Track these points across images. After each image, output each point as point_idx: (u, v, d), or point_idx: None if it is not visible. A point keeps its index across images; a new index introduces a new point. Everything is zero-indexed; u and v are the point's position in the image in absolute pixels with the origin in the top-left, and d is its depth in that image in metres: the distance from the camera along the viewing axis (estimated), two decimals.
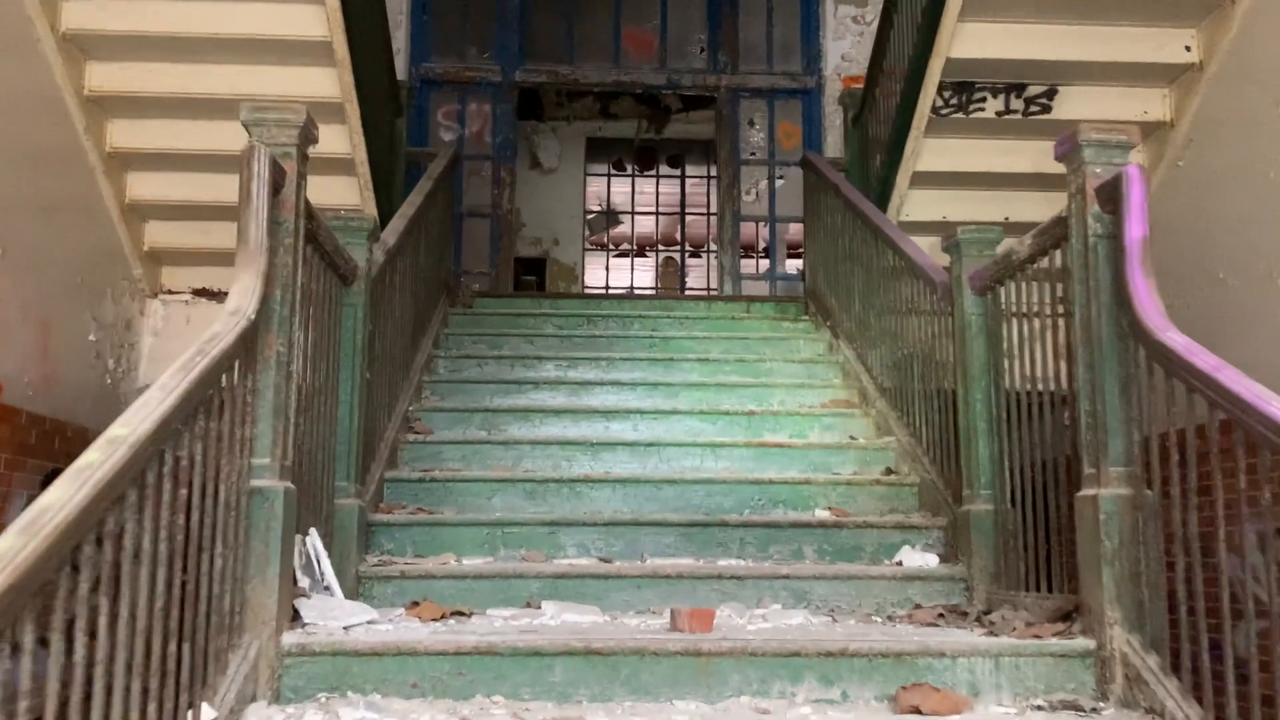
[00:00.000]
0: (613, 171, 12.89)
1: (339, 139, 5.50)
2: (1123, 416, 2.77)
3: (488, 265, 8.28)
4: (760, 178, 9.61)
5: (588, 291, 12.04)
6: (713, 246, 12.94)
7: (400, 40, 8.33)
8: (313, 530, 3.12)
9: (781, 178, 9.05)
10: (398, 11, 8.33)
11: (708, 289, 13.12)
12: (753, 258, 11.43)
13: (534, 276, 12.26)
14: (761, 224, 9.05)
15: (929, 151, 5.71)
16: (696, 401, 5.06)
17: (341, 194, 5.76)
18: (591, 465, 4.46)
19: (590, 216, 12.93)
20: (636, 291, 13.32)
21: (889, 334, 4.89)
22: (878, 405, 4.87)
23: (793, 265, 11.54)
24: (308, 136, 2.86)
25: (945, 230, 6.03)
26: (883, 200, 5.95)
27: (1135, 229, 2.74)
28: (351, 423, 3.56)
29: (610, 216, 13.13)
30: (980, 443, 3.68)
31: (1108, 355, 2.81)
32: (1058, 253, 3.22)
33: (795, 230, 9.66)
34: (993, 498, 3.64)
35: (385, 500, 4.10)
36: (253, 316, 2.49)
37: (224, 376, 2.37)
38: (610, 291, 13.21)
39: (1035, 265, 3.36)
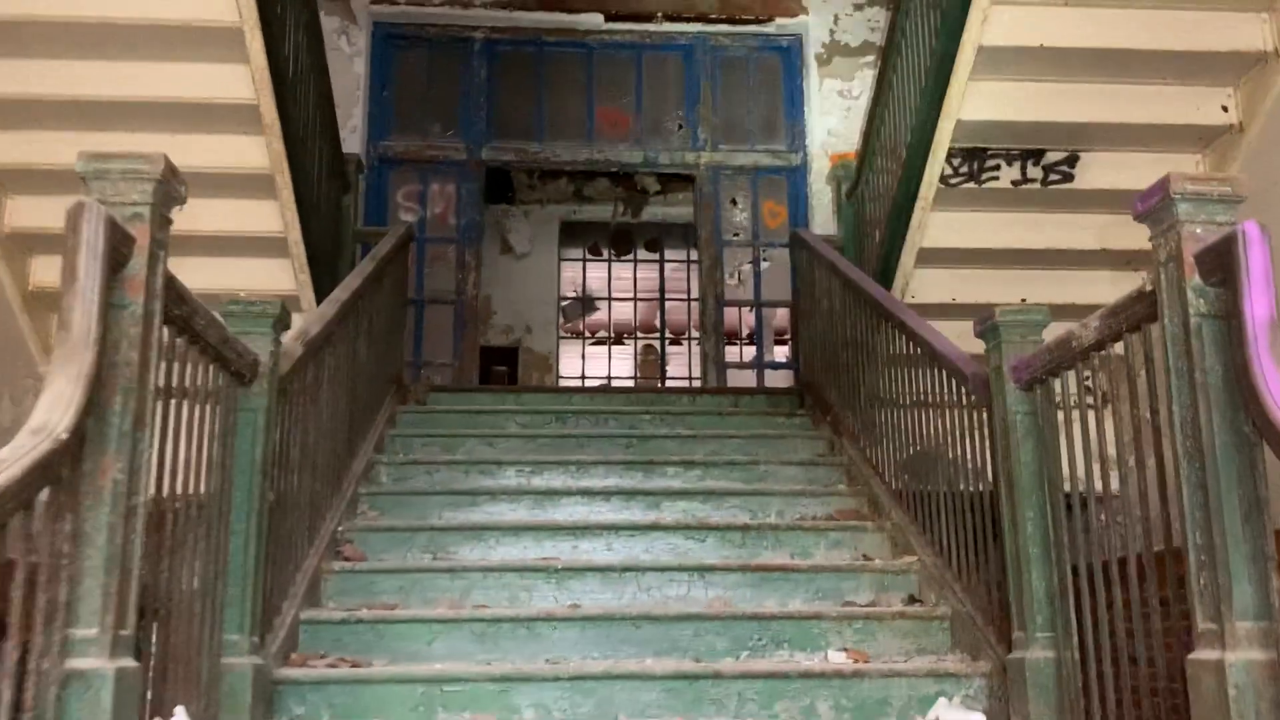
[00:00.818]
0: (588, 256, 12.30)
1: (269, 215, 4.87)
2: (1251, 552, 2.08)
3: (451, 355, 7.58)
4: (744, 260, 8.98)
5: (561, 384, 11.35)
6: (694, 333, 12.31)
7: (358, 117, 7.75)
8: (179, 711, 2.36)
9: (767, 260, 8.43)
10: (354, 87, 7.77)
11: (689, 379, 12.44)
12: (737, 344, 10.84)
13: (505, 367, 11.54)
14: (746, 309, 8.45)
15: (937, 226, 5.10)
16: (681, 514, 4.34)
17: (272, 277, 5.11)
18: (556, 597, 3.71)
19: (565, 303, 12.29)
20: (615, 382, 12.64)
21: (903, 432, 4.20)
22: (893, 516, 4.16)
23: (780, 352, 10.93)
24: (169, 194, 2.18)
25: (955, 314, 5.49)
26: (885, 280, 5.33)
27: (1260, 305, 2.07)
28: (247, 558, 2.82)
29: (586, 303, 12.50)
30: (1034, 572, 2.97)
31: (1224, 470, 2.12)
32: (1134, 337, 2.54)
33: (782, 315, 9.06)
34: (1053, 642, 2.91)
35: (300, 648, 3.33)
36: (65, 435, 1.78)
37: (15, 520, 1.66)
38: (586, 383, 12.53)
39: (1102, 353, 2.69)
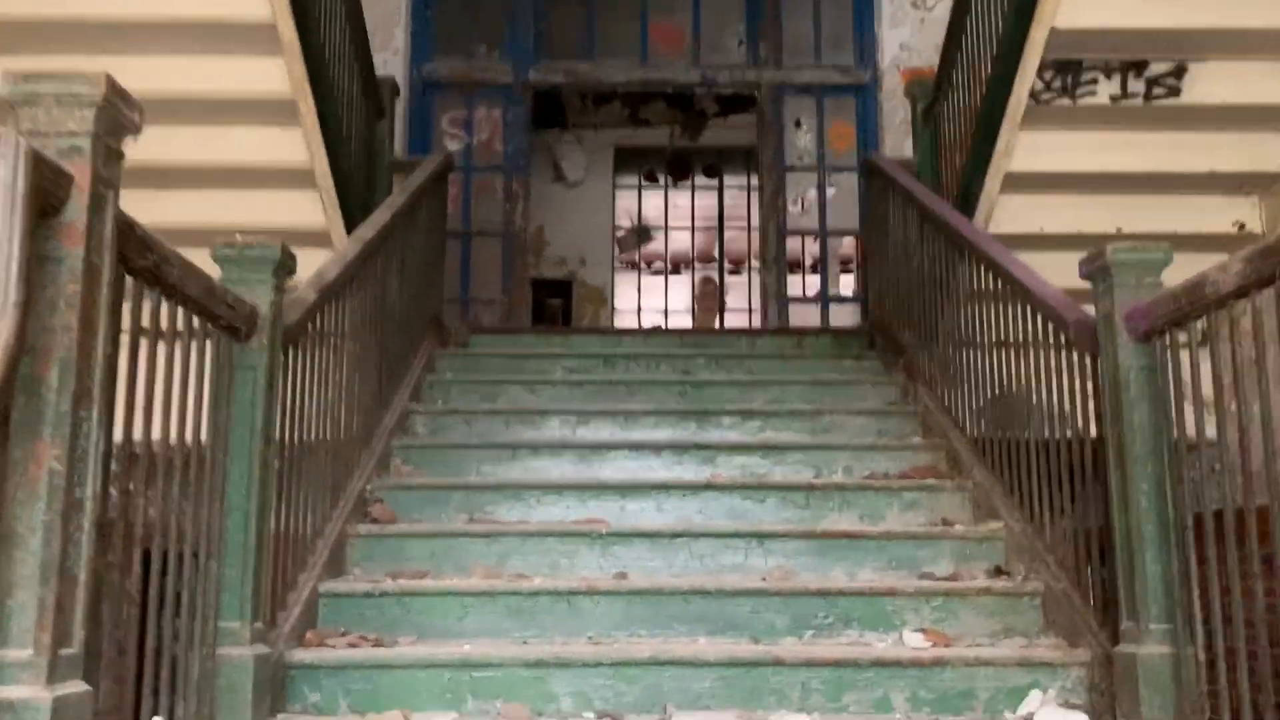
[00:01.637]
0: (644, 183, 11.84)
1: (294, 144, 4.50)
2: None
3: (499, 291, 7.24)
4: (808, 186, 8.48)
5: (616, 317, 11.00)
6: (754, 263, 11.84)
7: (399, 38, 7.36)
8: None
9: (833, 185, 7.94)
10: (396, 6, 7.36)
11: (749, 311, 11.99)
12: (799, 274, 10.37)
13: (559, 300, 11.22)
14: (810, 238, 7.99)
15: (1025, 148, 4.57)
16: (738, 470, 3.96)
17: (300, 212, 4.76)
18: (601, 565, 3.37)
19: (620, 233, 11.88)
20: (672, 315, 12.25)
21: (988, 380, 3.76)
22: (975, 475, 3.74)
23: (846, 283, 10.43)
24: (116, 122, 1.80)
25: (1043, 245, 4.98)
26: (965, 209, 4.83)
27: None
28: (247, 536, 2.50)
29: (642, 233, 12.07)
30: (1148, 554, 2.55)
31: None
32: None
33: (847, 245, 8.57)
34: (1170, 636, 2.51)
35: (320, 623, 3.04)
36: None
37: None
38: (641, 316, 12.16)
39: (1245, 301, 2.23)
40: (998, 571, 3.36)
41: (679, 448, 4.02)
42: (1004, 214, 4.79)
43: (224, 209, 4.77)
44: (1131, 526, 2.59)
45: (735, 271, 12.31)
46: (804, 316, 7.55)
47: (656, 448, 4.02)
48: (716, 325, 12.24)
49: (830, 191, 7.73)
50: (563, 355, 4.94)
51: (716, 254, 11.83)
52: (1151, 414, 2.59)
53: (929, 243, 4.49)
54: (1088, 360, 2.93)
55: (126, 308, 1.95)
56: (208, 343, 2.38)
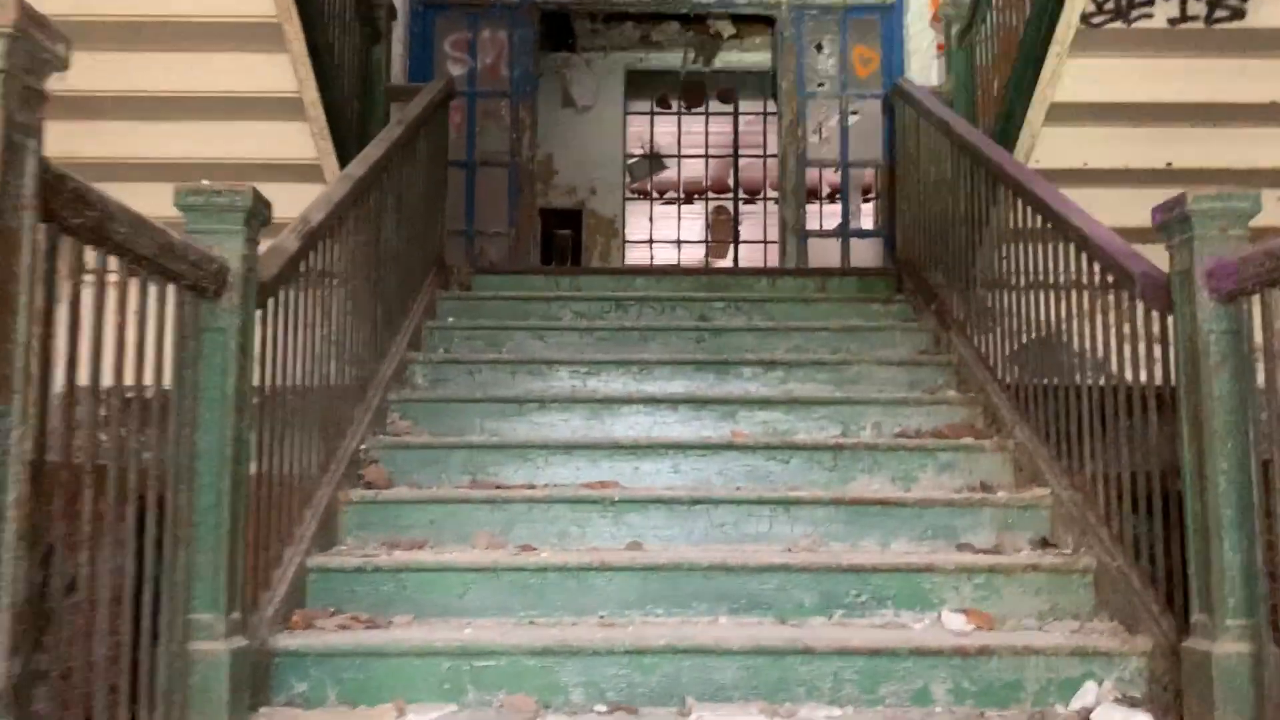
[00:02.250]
0: (656, 109, 11.39)
1: (280, 71, 4.15)
2: None
3: (506, 224, 6.92)
4: (830, 113, 8.10)
5: (621, 258, 10.66)
6: (771, 193, 11.46)
7: None
8: None
9: (856, 113, 7.55)
10: None
11: (764, 242, 11.65)
12: (816, 203, 10.02)
13: (568, 231, 10.87)
14: (831, 170, 7.62)
15: (1073, 75, 4.21)
16: (760, 428, 3.69)
17: (289, 144, 4.44)
18: (613, 534, 3.12)
19: (631, 161, 11.46)
20: (685, 246, 11.92)
21: (1032, 328, 3.47)
22: (1016, 434, 3.46)
23: (866, 212, 10.06)
24: (33, 56, 1.49)
25: (1087, 180, 4.64)
26: (1004, 141, 4.49)
27: None
28: (220, 518, 2.24)
29: (654, 160, 11.66)
30: (1226, 541, 2.28)
31: None
32: None
33: (866, 173, 8.21)
34: (1251, 633, 2.24)
35: (309, 602, 2.80)
36: None
37: None
38: (652, 252, 11.82)
39: None
40: (1044, 543, 3.10)
41: (697, 402, 3.75)
42: (1045, 147, 4.45)
43: (209, 142, 4.46)
44: (1208, 509, 2.31)
45: (750, 200, 11.93)
46: (823, 251, 7.22)
47: (673, 402, 3.75)
48: (730, 256, 11.91)
49: (852, 119, 7.34)
50: (571, 298, 4.65)
51: (731, 183, 11.44)
52: (1234, 384, 2.30)
53: (966, 179, 4.16)
54: (1155, 317, 2.64)
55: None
56: (171, 304, 2.10)
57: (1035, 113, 4.30)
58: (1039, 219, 3.41)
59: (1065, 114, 4.35)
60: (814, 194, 9.48)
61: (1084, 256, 3.08)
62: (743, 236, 11.50)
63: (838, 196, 11.79)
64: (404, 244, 4.19)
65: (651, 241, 11.62)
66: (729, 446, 3.45)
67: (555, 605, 2.81)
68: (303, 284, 2.89)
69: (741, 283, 4.92)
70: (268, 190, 4.70)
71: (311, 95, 4.19)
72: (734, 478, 3.42)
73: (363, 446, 3.39)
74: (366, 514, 3.14)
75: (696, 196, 12.03)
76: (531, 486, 3.35)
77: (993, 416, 3.68)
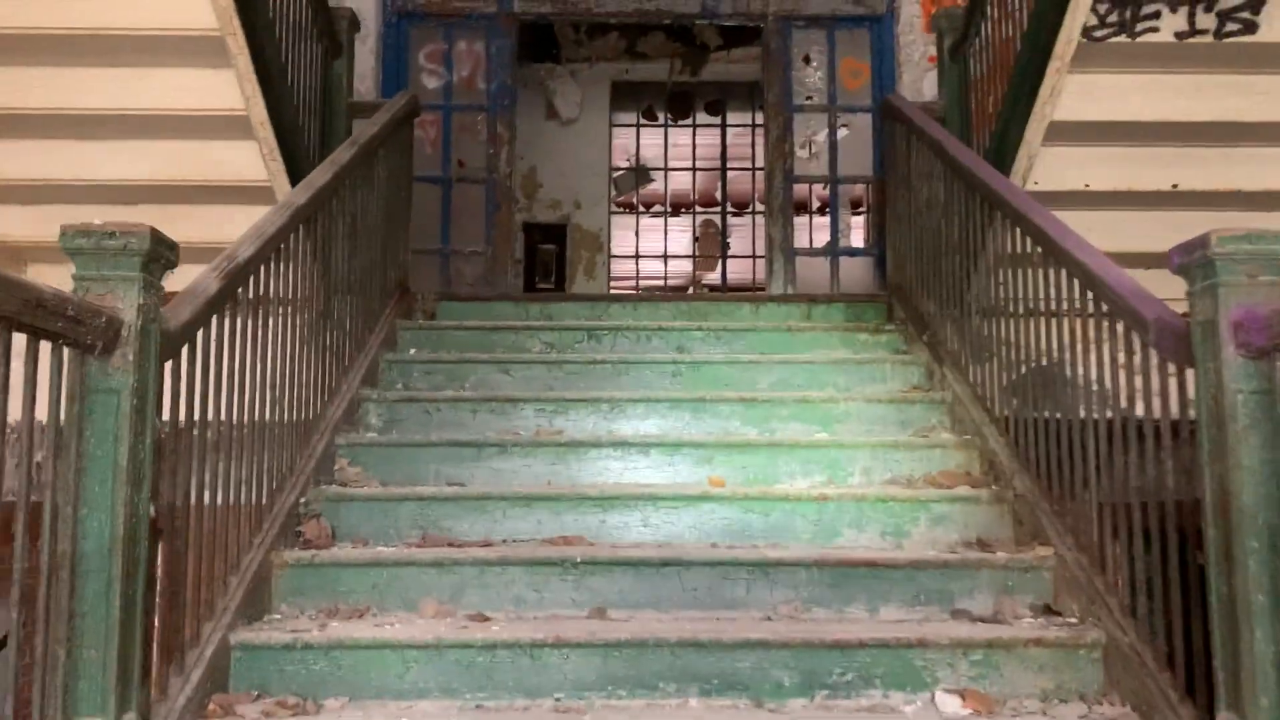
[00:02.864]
0: (642, 121, 11.12)
1: (224, 87, 3.87)
2: None
3: (483, 242, 6.65)
4: (818, 128, 7.84)
5: (605, 280, 10.39)
6: (759, 206, 11.20)
7: None
8: None
9: (845, 126, 7.30)
10: None
11: (752, 256, 11.39)
12: (806, 216, 9.75)
13: (553, 246, 10.60)
14: (819, 186, 7.36)
15: (1074, 92, 3.95)
16: (739, 474, 3.41)
17: (239, 165, 4.17)
18: (574, 598, 2.83)
19: (617, 174, 11.20)
20: (671, 259, 11.65)
21: (1036, 372, 3.20)
22: (1016, 484, 3.18)
23: (856, 226, 9.81)
24: None
25: (1086, 203, 4.38)
26: (998, 161, 4.23)
27: None
28: (110, 606, 1.96)
29: (640, 173, 11.40)
30: (1257, 631, 2.01)
31: None
32: None
33: (858, 188, 7.95)
34: None
35: (232, 684, 2.51)
36: None
37: None
38: (638, 267, 11.55)
39: None
40: (1047, 610, 2.82)
41: (670, 446, 3.47)
42: (1044, 168, 4.19)
43: (150, 162, 4.18)
44: (1236, 593, 2.04)
45: (739, 213, 11.66)
46: (812, 270, 6.96)
47: (645, 445, 3.47)
48: (719, 270, 11.64)
49: (842, 133, 7.09)
50: (541, 328, 4.36)
51: (719, 196, 11.16)
52: (1267, 453, 2.02)
53: (960, 203, 3.89)
54: (1171, 368, 2.37)
55: None
56: (47, 365, 1.81)
57: (1033, 131, 4.04)
58: (1039, 251, 3.14)
59: (1065, 133, 4.09)
60: (803, 207, 9.20)
61: (1089, 295, 2.81)
62: (732, 249, 11.22)
63: (828, 210, 11.56)
64: (359, 273, 3.91)
65: (638, 256, 11.35)
66: (704, 498, 3.17)
67: (506, 685, 2.52)
68: (228, 327, 2.61)
69: (723, 310, 4.64)
70: (217, 213, 4.46)
71: (259, 113, 3.91)
72: (709, 532, 3.14)
73: (303, 500, 3.10)
74: (303, 578, 2.85)
75: (684, 210, 11.76)
76: (487, 543, 3.07)
77: (990, 462, 3.40)
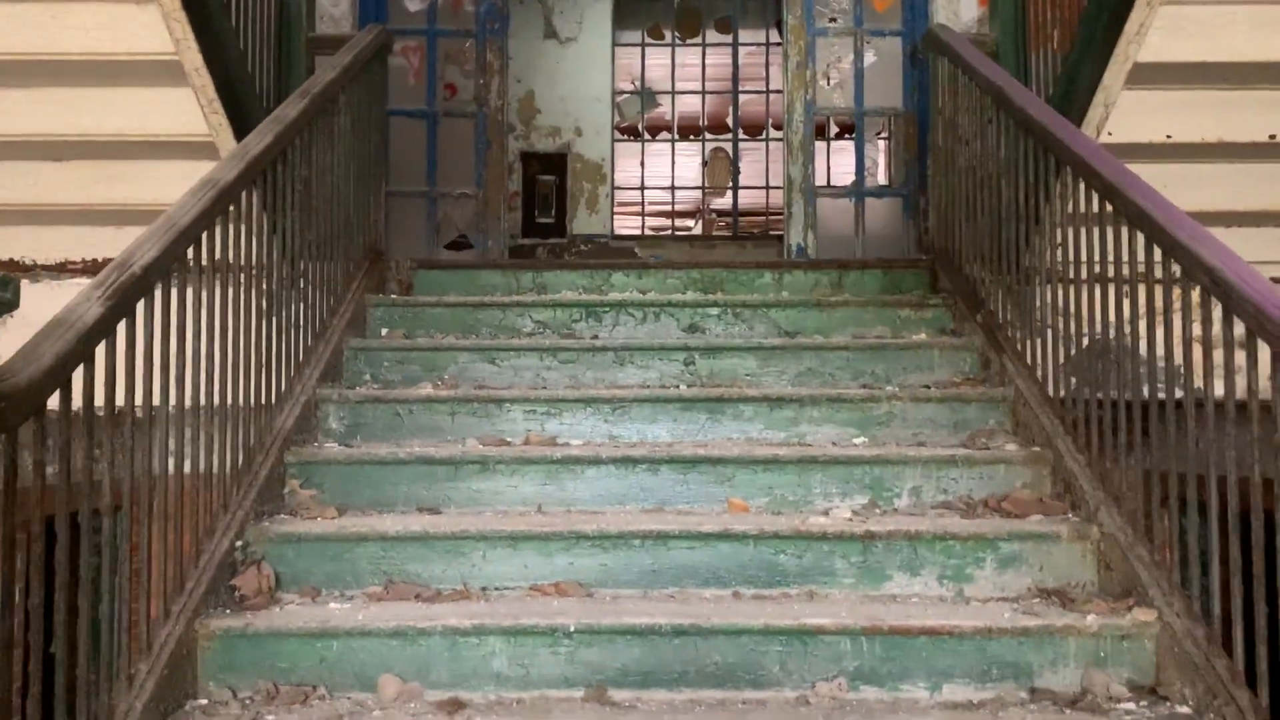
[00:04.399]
0: (648, 40, 10.36)
1: (150, 27, 3.24)
2: None
3: (473, 184, 6.02)
4: (843, 54, 7.16)
5: (609, 212, 9.75)
6: (774, 133, 10.50)
7: None
8: None
9: (872, 52, 6.60)
10: None
11: (765, 188, 10.70)
12: (823, 142, 9.13)
13: (552, 177, 9.93)
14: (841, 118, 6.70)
15: (1165, 28, 3.30)
16: (765, 496, 2.87)
17: (176, 117, 3.54)
18: (567, 675, 2.31)
19: (621, 98, 10.47)
20: (678, 189, 10.98)
21: (1122, 365, 2.63)
22: (1102, 519, 2.63)
23: (878, 155, 9.12)
24: None
25: (1166, 156, 3.77)
26: (1065, 107, 3.60)
27: None
28: None
29: (646, 97, 10.66)
30: None
31: None
32: None
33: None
34: None
35: None
36: None
37: None
38: (643, 199, 10.88)
39: None
40: (1150, 692, 2.29)
41: (682, 462, 2.91)
42: (1125, 118, 3.55)
43: (73, 113, 3.56)
44: None
45: (751, 140, 10.95)
46: (834, 215, 6.36)
47: (653, 462, 2.91)
48: (728, 198, 10.99)
49: (868, 59, 6.40)
50: (534, 304, 3.78)
51: (730, 121, 10.44)
52: None
53: (1027, 164, 3.27)
54: None
55: None
56: None
57: (1113, 75, 3.40)
58: (1138, 235, 2.55)
59: (1149, 76, 3.45)
60: (819, 132, 8.55)
61: (1211, 299, 2.22)
62: (744, 182, 10.53)
63: (847, 136, 10.85)
64: (316, 248, 3.32)
65: (643, 188, 10.67)
66: (724, 536, 2.62)
67: None
68: (123, 355, 2.04)
69: (741, 279, 4.05)
70: (161, 171, 3.85)
71: (193, 58, 3.28)
72: (731, 576, 2.61)
73: (239, 543, 2.57)
74: (236, 650, 2.32)
75: (692, 136, 11.04)
76: (463, 594, 2.54)
77: (1065, 484, 2.85)
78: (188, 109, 3.50)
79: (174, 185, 3.10)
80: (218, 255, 2.57)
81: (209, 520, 2.48)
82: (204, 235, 2.48)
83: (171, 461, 2.28)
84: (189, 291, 2.38)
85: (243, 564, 2.56)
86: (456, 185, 5.92)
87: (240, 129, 3.51)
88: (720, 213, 13.09)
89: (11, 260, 4.13)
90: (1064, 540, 2.63)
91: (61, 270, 4.12)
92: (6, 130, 3.58)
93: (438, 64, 6.22)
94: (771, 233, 10.97)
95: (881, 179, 7.88)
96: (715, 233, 12.52)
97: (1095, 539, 2.62)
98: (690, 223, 13.63)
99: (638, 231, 11.22)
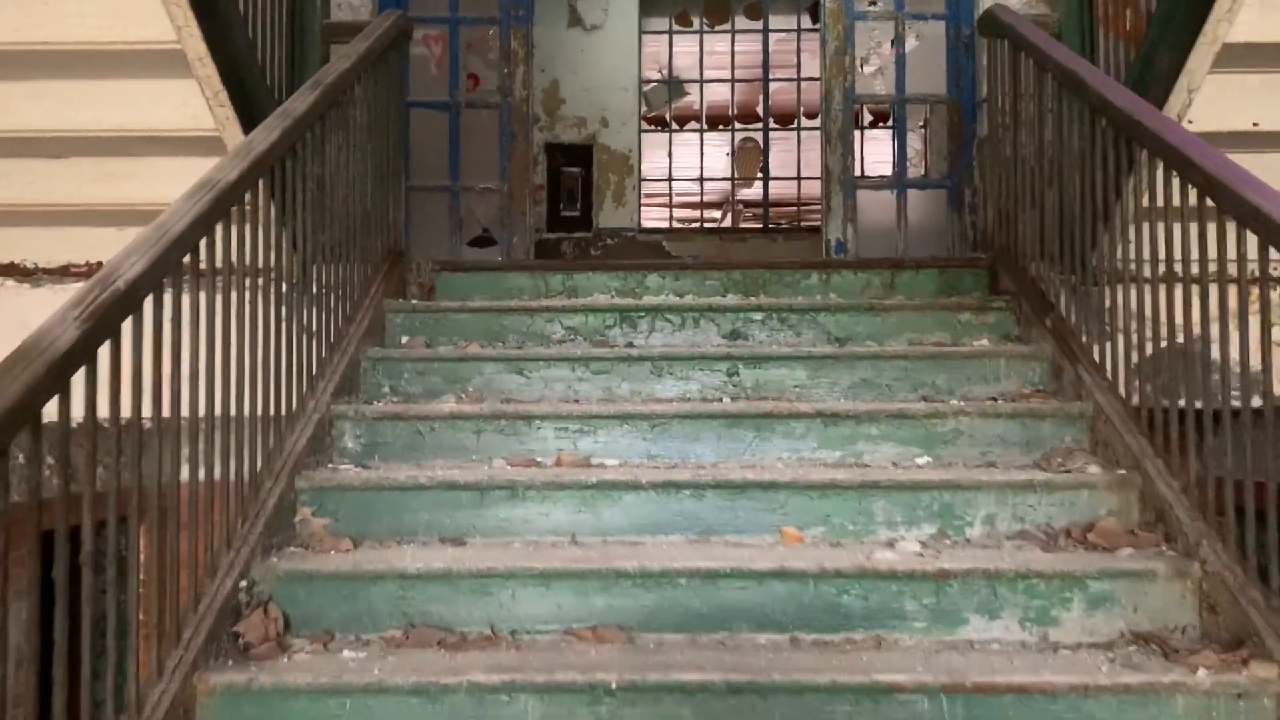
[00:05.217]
0: (675, 27, 10.07)
1: (151, 13, 3.00)
2: None
3: (497, 177, 5.77)
4: (883, 38, 6.89)
5: (636, 204, 9.48)
6: (806, 122, 10.21)
7: None
8: None
9: (915, 36, 6.32)
10: None
11: (798, 179, 10.40)
12: (858, 130, 8.80)
13: (578, 169, 9.67)
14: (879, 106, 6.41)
15: (1258, 3, 3.00)
16: (822, 526, 2.60)
17: (182, 109, 3.30)
18: None
19: (648, 87, 10.18)
20: (708, 184, 10.68)
21: (1230, 376, 2.34)
22: (1204, 554, 2.35)
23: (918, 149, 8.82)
24: None
25: (1252, 145, 3.47)
26: (1142, 92, 3.29)
27: None
28: None
29: (673, 86, 10.37)
30: None
31: None
32: None
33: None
34: None
35: None
36: None
37: None
38: (670, 190, 10.60)
39: None
40: None
41: (730, 487, 2.64)
42: (1210, 104, 3.25)
43: (73, 106, 3.33)
44: None
45: (781, 128, 10.64)
46: (871, 206, 6.08)
47: (697, 487, 2.64)
48: (759, 189, 10.68)
49: (910, 44, 6.11)
50: (563, 309, 3.52)
51: (760, 111, 10.13)
52: None
53: (1107, 151, 2.98)
54: None
55: None
56: None
57: (1199, 58, 3.10)
58: (1248, 235, 2.26)
59: (1238, 58, 3.14)
60: (855, 119, 8.24)
61: None
62: (774, 173, 10.22)
63: (881, 125, 10.52)
64: (330, 250, 3.07)
65: (671, 179, 10.38)
66: (779, 575, 2.35)
67: None
68: (107, 379, 1.79)
69: (785, 280, 3.77)
70: (163, 168, 3.62)
71: (196, 47, 3.03)
72: (787, 620, 2.34)
73: (244, 582, 2.32)
74: (238, 709, 2.08)
75: (721, 125, 10.75)
76: (491, 638, 2.30)
77: (1157, 512, 2.56)
78: (193, 102, 3.26)
79: (179, 183, 2.85)
80: (219, 263, 2.33)
81: (210, 559, 2.24)
82: (203, 241, 2.23)
83: (168, 496, 2.04)
84: (186, 303, 2.14)
85: (248, 606, 2.31)
86: (480, 179, 5.68)
87: (249, 123, 3.26)
88: (748, 203, 12.80)
89: (12, 264, 3.91)
90: (1160, 578, 2.35)
91: (65, 274, 3.90)
92: (2, 126, 3.35)
93: (460, 53, 5.97)
94: (803, 224, 10.67)
95: (918, 169, 7.58)
96: (743, 224, 12.24)
97: (1196, 577, 2.34)
98: (718, 214, 13.34)
99: (664, 224, 10.97)
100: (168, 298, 2.07)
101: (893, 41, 6.10)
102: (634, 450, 2.90)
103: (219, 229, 2.32)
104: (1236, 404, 2.63)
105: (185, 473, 2.15)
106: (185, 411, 2.14)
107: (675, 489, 2.65)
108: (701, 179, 10.44)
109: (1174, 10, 3.18)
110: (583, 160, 9.71)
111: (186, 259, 2.15)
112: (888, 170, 6.35)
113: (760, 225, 10.27)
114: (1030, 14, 4.11)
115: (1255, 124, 3.35)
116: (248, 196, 2.45)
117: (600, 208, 9.66)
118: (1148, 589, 2.35)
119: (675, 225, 10.94)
